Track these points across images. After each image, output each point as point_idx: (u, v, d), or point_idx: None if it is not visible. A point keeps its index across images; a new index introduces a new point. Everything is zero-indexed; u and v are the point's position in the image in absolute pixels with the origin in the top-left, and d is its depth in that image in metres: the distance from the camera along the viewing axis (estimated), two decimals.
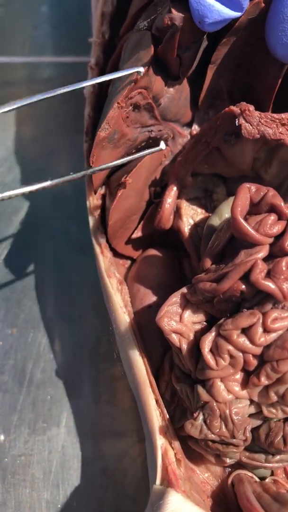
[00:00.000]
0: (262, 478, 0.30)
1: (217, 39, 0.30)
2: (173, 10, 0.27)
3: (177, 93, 0.31)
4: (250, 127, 0.27)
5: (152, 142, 0.33)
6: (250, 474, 0.29)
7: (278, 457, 0.27)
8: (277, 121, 0.27)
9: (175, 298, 0.28)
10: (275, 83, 0.31)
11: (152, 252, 0.35)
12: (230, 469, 0.30)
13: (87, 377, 0.37)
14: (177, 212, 0.32)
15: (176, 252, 0.35)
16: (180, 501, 0.26)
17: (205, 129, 0.29)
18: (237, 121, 0.27)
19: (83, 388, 0.37)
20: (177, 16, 0.26)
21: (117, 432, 0.36)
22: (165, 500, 0.26)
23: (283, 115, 0.27)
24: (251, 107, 0.27)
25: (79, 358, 0.38)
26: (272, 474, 0.30)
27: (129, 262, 0.36)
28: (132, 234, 0.34)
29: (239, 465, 0.29)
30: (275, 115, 0.27)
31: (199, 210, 0.33)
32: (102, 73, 0.36)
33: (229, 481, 0.29)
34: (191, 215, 0.32)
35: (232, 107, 0.27)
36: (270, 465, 0.27)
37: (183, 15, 0.26)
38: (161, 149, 0.30)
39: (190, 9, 0.26)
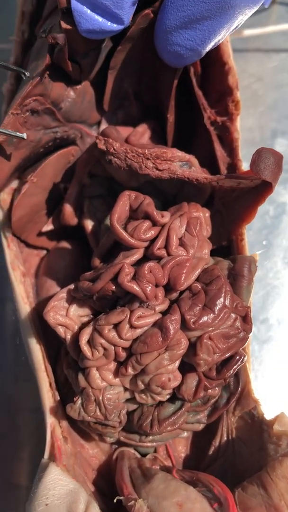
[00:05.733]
0: (145, 455, 0.33)
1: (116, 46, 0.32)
2: (62, 23, 0.28)
3: (79, 97, 0.33)
4: (119, 161, 0.29)
5: (60, 141, 0.34)
6: (132, 451, 0.32)
7: (150, 437, 0.30)
8: (142, 155, 0.28)
9: (62, 294, 0.30)
10: (171, 85, 0.32)
11: (64, 244, 0.37)
12: (116, 446, 0.33)
13: (7, 357, 0.40)
14: (82, 209, 0.35)
15: (87, 246, 0.37)
16: (57, 474, 0.29)
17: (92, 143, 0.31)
18: (107, 158, 0.29)
19: (3, 366, 0.40)
20: (59, 36, 0.27)
21: (32, 408, 0.39)
22: (45, 472, 0.29)
23: (146, 151, 0.28)
24: (116, 145, 0.28)
25: (0, 339, 0.41)
26: (155, 451, 0.33)
27: (44, 252, 0.38)
28: (43, 227, 0.36)
29: (124, 442, 0.33)
30: (139, 150, 0.28)
31: (103, 208, 0.35)
32: None
33: (114, 456, 0.32)
34: (94, 212, 0.34)
35: (99, 144, 0.29)
36: (145, 444, 0.31)
37: (66, 33, 0.28)
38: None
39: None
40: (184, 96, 0.35)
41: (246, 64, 0.50)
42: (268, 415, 0.30)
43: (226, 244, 0.33)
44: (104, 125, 0.36)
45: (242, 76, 0.49)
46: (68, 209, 0.34)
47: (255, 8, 0.26)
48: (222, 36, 0.29)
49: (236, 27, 0.28)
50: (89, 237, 0.35)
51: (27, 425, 0.39)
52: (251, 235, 0.44)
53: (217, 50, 0.34)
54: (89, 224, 0.34)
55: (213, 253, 0.31)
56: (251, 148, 0.46)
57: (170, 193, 0.34)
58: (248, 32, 0.48)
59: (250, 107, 0.49)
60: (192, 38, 0.28)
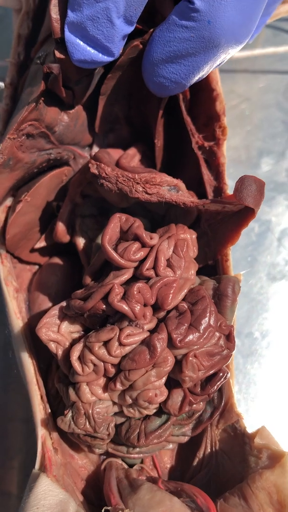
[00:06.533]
0: (132, 465, 0.34)
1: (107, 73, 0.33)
2: (56, 53, 0.29)
3: (72, 121, 0.34)
4: (110, 184, 0.30)
5: (54, 162, 0.36)
6: (120, 461, 0.34)
7: (137, 449, 0.32)
8: (132, 180, 0.30)
9: (54, 311, 0.31)
10: (157, 112, 0.34)
11: (55, 260, 0.38)
12: (105, 457, 0.34)
13: None
14: (74, 228, 0.36)
15: (79, 261, 0.39)
16: (48, 484, 0.30)
17: (84, 164, 0.32)
18: (99, 181, 0.30)
19: None
20: (54, 66, 0.29)
21: (23, 417, 0.40)
22: (36, 483, 0.30)
23: (136, 176, 0.30)
24: (108, 170, 0.30)
25: None
26: (142, 462, 0.34)
27: (36, 267, 0.39)
28: (36, 243, 0.38)
29: (113, 454, 0.34)
30: (130, 175, 0.30)
31: (94, 226, 0.36)
32: (15, 92, 0.38)
33: (102, 466, 0.34)
34: (86, 230, 0.36)
35: (91, 168, 0.30)
36: (132, 455, 0.32)
37: (59, 62, 0.29)
38: None
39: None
40: (174, 117, 0.36)
41: (234, 85, 0.52)
42: (251, 428, 0.32)
43: (212, 263, 0.34)
44: (96, 148, 0.37)
45: (230, 96, 0.51)
46: (60, 227, 0.35)
47: (238, 48, 0.28)
48: (206, 72, 0.30)
49: (219, 64, 0.30)
50: (80, 254, 0.36)
51: (18, 434, 0.40)
52: (237, 250, 0.45)
53: (206, 77, 0.36)
54: (80, 242, 0.36)
55: (199, 272, 0.33)
56: (237, 167, 0.48)
57: (159, 214, 0.35)
58: (236, 54, 0.50)
59: (237, 127, 0.50)
60: (176, 71, 0.30)
